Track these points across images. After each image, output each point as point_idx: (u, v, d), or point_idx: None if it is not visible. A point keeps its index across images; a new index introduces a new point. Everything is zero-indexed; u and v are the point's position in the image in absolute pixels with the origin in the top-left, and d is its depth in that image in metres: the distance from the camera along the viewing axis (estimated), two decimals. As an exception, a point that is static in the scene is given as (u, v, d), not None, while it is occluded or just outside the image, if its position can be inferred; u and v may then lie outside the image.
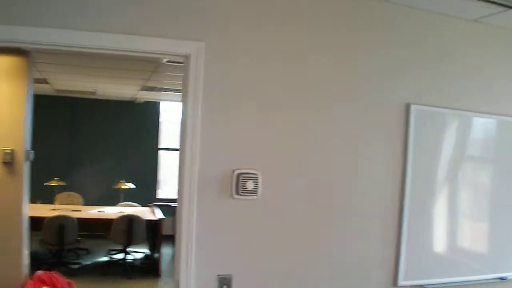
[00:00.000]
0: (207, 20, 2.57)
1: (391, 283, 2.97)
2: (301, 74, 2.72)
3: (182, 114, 2.62)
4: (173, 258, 4.49)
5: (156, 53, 2.65)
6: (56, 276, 5.47)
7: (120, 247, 7.76)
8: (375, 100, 2.88)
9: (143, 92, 8.64)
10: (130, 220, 7.20)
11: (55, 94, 9.54)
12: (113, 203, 8.63)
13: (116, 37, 2.47)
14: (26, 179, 5.39)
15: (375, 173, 2.89)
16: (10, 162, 5.17)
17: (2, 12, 2.31)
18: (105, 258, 8.20)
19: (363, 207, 2.87)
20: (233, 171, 2.59)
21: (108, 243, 8.03)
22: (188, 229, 2.57)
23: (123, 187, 8.45)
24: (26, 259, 5.39)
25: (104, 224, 7.47)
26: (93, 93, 9.23)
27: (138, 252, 8.13)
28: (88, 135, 10.19)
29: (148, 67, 6.13)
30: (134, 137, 9.92)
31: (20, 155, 5.24)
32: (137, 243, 7.38)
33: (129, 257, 7.67)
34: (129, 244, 7.38)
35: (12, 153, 5.18)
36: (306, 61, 2.72)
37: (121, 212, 7.77)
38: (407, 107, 2.94)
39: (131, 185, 8.60)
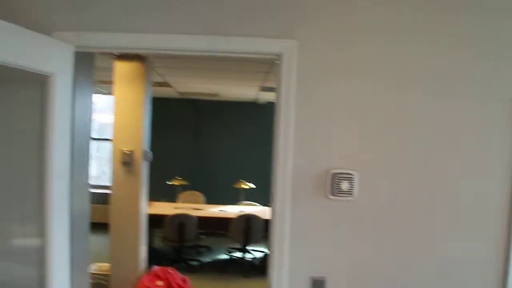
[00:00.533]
0: (299, 18, 2.50)
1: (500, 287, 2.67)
2: (401, 67, 2.52)
3: (276, 113, 2.56)
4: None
5: (250, 53, 2.60)
6: (171, 272, 5.67)
7: (239, 246, 7.90)
8: (480, 96, 2.59)
9: (263, 93, 8.73)
10: (248, 219, 7.29)
11: (179, 96, 9.98)
12: (234, 202, 8.79)
13: (212, 39, 2.52)
14: (144, 178, 5.66)
15: (480, 172, 2.60)
16: (129, 162, 5.46)
17: (123, 21, 2.50)
18: (225, 256, 8.39)
19: (468, 207, 2.60)
20: (328, 171, 2.48)
21: (228, 242, 8.21)
22: (282, 230, 2.53)
23: (244, 186, 8.57)
24: (143, 254, 5.67)
25: (224, 223, 7.65)
26: (216, 94, 9.52)
27: (257, 251, 8.22)
28: (211, 136, 10.55)
29: (262, 68, 6.15)
30: (256, 137, 10.06)
31: (139, 156, 5.52)
32: (255, 242, 7.45)
33: (248, 255, 7.76)
34: (247, 242, 7.48)
35: (131, 154, 5.47)
36: (406, 54, 2.51)
37: (241, 211, 7.90)
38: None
39: (252, 185, 8.71)
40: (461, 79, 2.54)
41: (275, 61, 2.57)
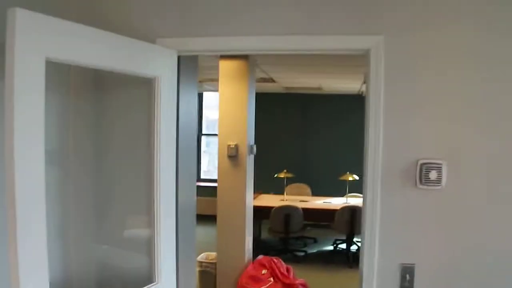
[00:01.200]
0: (385, 14, 2.56)
1: None
2: (496, 51, 2.48)
3: (366, 106, 2.65)
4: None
5: (338, 50, 2.70)
6: (276, 261, 5.88)
7: (344, 237, 7.98)
8: None
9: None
10: (353, 210, 7.35)
11: (284, 91, 10.21)
12: (339, 194, 8.85)
13: (305, 38, 2.65)
14: (249, 171, 5.92)
15: None
16: (234, 155, 5.75)
17: (221, 25, 2.71)
18: (330, 248, 8.51)
19: None
20: (417, 161, 2.54)
21: (334, 233, 8.32)
22: (372, 218, 2.60)
23: (349, 178, 8.60)
24: (249, 244, 5.94)
25: (329, 214, 7.77)
26: (319, 88, 9.62)
27: (362, 243, 8.24)
28: (317, 129, 10.69)
29: (363, 61, 6.16)
30: (361, 130, 10.01)
31: (244, 149, 5.79)
32: (360, 233, 7.48)
33: (353, 247, 7.82)
34: (352, 234, 7.55)
35: (236, 148, 5.75)
36: (498, 43, 2.48)
37: (345, 203, 7.96)
38: None
39: (356, 177, 8.72)
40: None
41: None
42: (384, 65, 2.55)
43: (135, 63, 2.44)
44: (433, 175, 2.49)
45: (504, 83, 2.47)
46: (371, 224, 2.59)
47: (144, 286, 2.59)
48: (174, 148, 2.77)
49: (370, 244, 2.60)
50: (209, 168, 11.72)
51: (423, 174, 2.50)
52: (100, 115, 3.01)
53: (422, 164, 2.51)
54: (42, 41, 1.93)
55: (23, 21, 1.84)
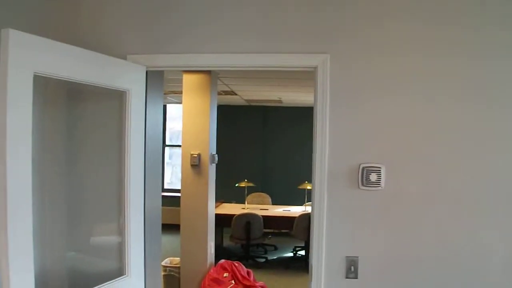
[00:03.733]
0: (331, 35, 2.89)
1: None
2: (430, 66, 2.83)
3: (314, 117, 2.98)
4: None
5: (290, 67, 3.03)
6: (237, 265, 6.16)
7: (303, 244, 8.30)
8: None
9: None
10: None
11: (246, 104, 10.54)
12: (298, 203, 9.18)
13: (262, 56, 2.97)
14: (211, 179, 6.20)
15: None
16: (197, 164, 6.03)
17: (184, 43, 3.00)
18: (290, 254, 8.82)
19: (496, 200, 2.84)
20: (359, 165, 2.87)
21: (295, 241, 8.64)
22: (320, 215, 2.92)
23: (308, 187, 8.90)
24: (212, 249, 6.20)
25: (288, 222, 8.10)
26: (279, 101, 9.99)
27: (320, 250, 8.56)
28: (276, 140, 11.05)
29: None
30: (319, 141, 10.39)
31: (206, 158, 6.07)
32: (318, 240, 7.80)
33: (311, 253, 8.12)
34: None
35: (198, 157, 6.03)
36: (433, 55, 2.83)
37: (304, 211, 8.29)
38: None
39: (314, 186, 9.06)
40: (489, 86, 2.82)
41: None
42: (330, 81, 2.89)
43: (109, 77, 2.71)
44: (373, 177, 2.83)
45: (437, 95, 2.83)
46: (319, 222, 2.91)
47: (116, 278, 2.84)
48: (142, 158, 3.01)
49: (318, 239, 2.91)
50: (172, 179, 11.86)
51: (365, 176, 2.84)
52: (73, 125, 3.24)
53: (363, 168, 2.85)
54: (31, 57, 2.19)
55: (15, 40, 2.10)
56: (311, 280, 2.94)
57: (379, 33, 2.86)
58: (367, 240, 2.90)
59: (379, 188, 2.85)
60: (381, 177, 2.83)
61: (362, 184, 2.85)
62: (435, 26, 2.83)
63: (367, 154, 2.88)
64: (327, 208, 2.90)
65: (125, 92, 2.84)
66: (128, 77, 2.85)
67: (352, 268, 2.89)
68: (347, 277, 2.91)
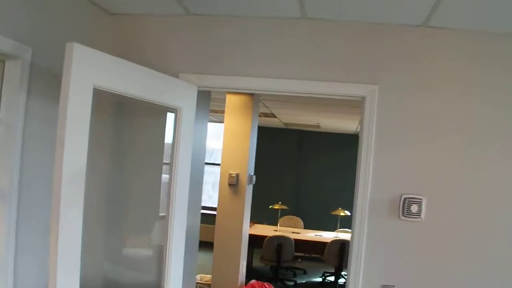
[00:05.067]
0: (381, 67, 2.97)
1: None
2: (467, 108, 2.90)
3: (359, 146, 3.03)
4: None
5: (340, 95, 3.08)
6: (267, 286, 6.17)
7: (332, 270, 8.26)
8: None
9: (363, 125, 9.07)
10: (343, 244, 7.64)
11: (284, 127, 10.62)
12: (330, 228, 9.15)
13: (310, 83, 3.06)
14: (248, 200, 6.27)
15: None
16: (234, 184, 6.11)
17: (235, 67, 3.12)
18: (319, 279, 8.78)
19: None
20: (401, 196, 2.91)
21: (324, 266, 8.61)
22: (359, 242, 2.96)
23: (341, 214, 8.89)
24: (243, 269, 6.24)
25: (319, 247, 8.08)
26: (317, 126, 10.04)
27: (350, 277, 8.49)
28: (313, 164, 11.08)
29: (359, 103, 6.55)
30: (353, 168, 10.39)
31: (244, 179, 6.14)
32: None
33: (341, 280, 8.09)
34: (340, 267, 7.82)
35: (237, 177, 6.11)
36: (474, 96, 2.89)
37: (336, 237, 8.26)
38: None
39: (348, 212, 9.04)
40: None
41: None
42: (377, 111, 2.94)
43: (164, 95, 2.83)
44: (414, 208, 2.86)
45: (478, 133, 2.88)
46: (358, 249, 2.95)
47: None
48: (189, 174, 3.09)
49: (356, 266, 2.95)
50: (203, 197, 11.92)
51: (406, 207, 2.87)
52: (118, 139, 3.36)
53: (405, 199, 2.88)
54: (92, 71, 2.31)
55: (79, 53, 2.22)
56: (347, 306, 2.97)
57: (428, 70, 2.93)
58: (404, 269, 2.93)
59: (419, 219, 2.88)
60: (422, 209, 2.86)
61: (403, 215, 2.88)
62: (485, 68, 2.88)
63: (409, 186, 2.92)
64: (366, 236, 2.94)
65: (177, 109, 2.93)
66: (181, 95, 2.96)
67: (388, 297, 2.91)
68: (382, 305, 2.92)
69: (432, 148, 2.91)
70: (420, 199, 2.86)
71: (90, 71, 2.30)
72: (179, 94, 2.94)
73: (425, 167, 2.91)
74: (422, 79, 2.92)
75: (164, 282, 2.96)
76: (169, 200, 2.96)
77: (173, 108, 2.95)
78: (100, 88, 2.39)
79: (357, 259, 2.94)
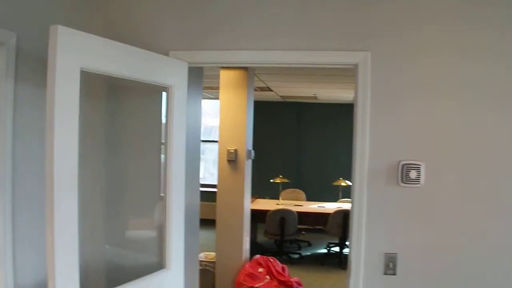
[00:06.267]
0: (372, 33, 2.90)
1: None
2: (463, 69, 2.83)
3: (354, 114, 2.99)
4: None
5: (332, 64, 3.03)
6: (272, 260, 6.20)
7: (337, 240, 8.30)
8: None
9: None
10: (346, 214, 7.65)
11: (281, 100, 10.56)
12: (332, 199, 9.16)
13: (302, 53, 2.99)
14: (247, 175, 6.25)
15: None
16: (233, 160, 6.08)
17: (225, 40, 3.05)
18: (324, 250, 8.83)
19: None
20: (399, 162, 2.87)
21: (328, 237, 8.65)
22: (359, 212, 2.93)
23: (342, 184, 8.88)
24: (247, 244, 6.25)
25: (322, 218, 8.11)
26: (315, 97, 9.98)
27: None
28: (311, 136, 11.07)
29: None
30: (352, 137, 10.35)
31: (242, 154, 6.12)
32: (352, 236, 7.79)
33: (346, 249, 8.13)
34: (344, 237, 7.85)
35: (235, 152, 6.09)
36: (470, 57, 2.82)
37: (338, 207, 8.27)
38: None
39: (349, 182, 9.02)
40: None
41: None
42: (371, 78, 2.90)
43: (153, 73, 2.77)
44: (413, 174, 2.83)
45: (477, 95, 2.83)
46: (358, 219, 2.92)
47: (155, 271, 2.91)
48: (184, 152, 3.06)
49: (358, 236, 2.92)
50: (205, 174, 11.95)
51: (404, 173, 2.84)
52: (112, 120, 3.32)
53: (403, 165, 2.85)
54: (78, 53, 2.25)
55: (63, 36, 2.15)
56: (350, 276, 2.96)
57: (421, 34, 2.86)
58: (406, 236, 2.90)
59: (418, 185, 2.84)
60: (421, 174, 2.83)
61: (402, 181, 2.85)
62: (480, 30, 2.82)
63: (407, 152, 2.88)
64: (366, 205, 2.91)
65: (168, 87, 2.89)
66: (171, 73, 2.90)
67: (391, 264, 2.90)
68: (385, 274, 2.92)
69: (429, 112, 2.86)
70: (419, 164, 2.83)
71: (76, 54, 2.23)
72: (169, 72, 2.89)
73: (422, 132, 2.87)
74: (416, 43, 2.86)
75: (165, 261, 2.94)
76: (166, 179, 2.92)
77: (164, 87, 2.90)
78: (87, 70, 2.32)
79: (358, 229, 2.92)
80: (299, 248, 8.94)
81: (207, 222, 7.13)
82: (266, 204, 8.53)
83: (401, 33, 2.87)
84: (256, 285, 5.74)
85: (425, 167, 2.84)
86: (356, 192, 2.93)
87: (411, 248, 2.90)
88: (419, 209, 2.88)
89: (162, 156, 3.10)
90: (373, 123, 2.91)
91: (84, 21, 2.93)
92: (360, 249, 2.92)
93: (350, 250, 2.99)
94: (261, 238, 8.69)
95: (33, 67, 2.56)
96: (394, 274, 2.90)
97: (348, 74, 6.36)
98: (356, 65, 2.93)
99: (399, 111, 2.89)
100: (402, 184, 2.85)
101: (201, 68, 3.57)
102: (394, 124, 2.89)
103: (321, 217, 8.12)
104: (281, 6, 2.98)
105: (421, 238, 2.89)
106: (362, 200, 2.91)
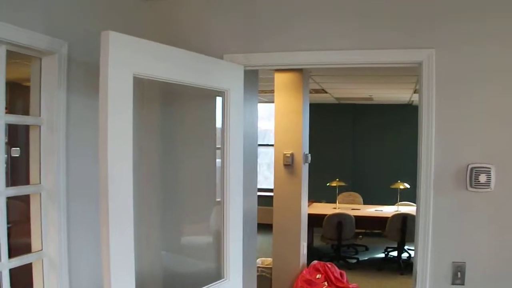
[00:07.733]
0: (436, 29, 2.76)
1: None
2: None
3: (419, 115, 2.86)
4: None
5: (393, 63, 2.90)
6: (330, 266, 6.07)
7: (395, 245, 8.07)
8: None
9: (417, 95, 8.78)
10: (405, 218, 7.45)
11: (336, 102, 10.40)
12: (390, 203, 8.93)
13: (362, 53, 2.89)
14: (304, 179, 6.15)
15: None
16: (290, 164, 6.00)
17: (281, 42, 2.97)
18: (381, 255, 8.61)
19: None
20: (467, 166, 2.71)
21: (386, 241, 8.43)
22: (426, 218, 2.78)
23: (400, 187, 8.64)
24: (304, 249, 6.15)
25: (380, 222, 7.91)
26: (370, 98, 9.78)
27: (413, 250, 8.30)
28: (368, 138, 10.85)
29: (413, 71, 6.29)
30: (411, 138, 10.06)
31: (299, 158, 6.03)
32: (412, 240, 7.56)
33: (404, 254, 7.90)
34: (403, 241, 7.63)
35: (291, 156, 6.00)
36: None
37: (397, 211, 8.05)
38: None
39: (407, 185, 8.78)
40: None
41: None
42: (436, 77, 2.75)
43: (209, 78, 2.73)
44: (482, 178, 2.66)
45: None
46: (424, 225, 2.78)
47: (213, 280, 2.85)
48: (241, 157, 3.00)
49: (424, 243, 2.78)
50: (259, 178, 11.89)
51: (473, 177, 2.68)
52: (167, 125, 3.30)
53: (472, 168, 2.69)
54: (130, 59, 2.21)
55: (115, 42, 2.12)
56: (415, 285, 2.82)
57: (486, 27, 2.69)
58: (475, 245, 2.73)
59: (489, 189, 2.68)
60: (491, 178, 2.66)
61: (470, 186, 2.69)
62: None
63: (476, 154, 2.72)
64: (433, 211, 2.76)
65: (224, 91, 2.84)
66: (227, 77, 2.86)
67: (459, 274, 2.74)
68: (453, 283, 2.76)
69: (499, 112, 2.69)
70: (489, 167, 2.66)
71: (128, 60, 2.19)
72: (224, 75, 2.84)
73: (492, 134, 2.70)
74: (484, 36, 2.69)
75: (223, 268, 2.89)
76: (223, 184, 2.87)
77: (220, 91, 2.85)
78: (140, 76, 2.29)
79: (425, 236, 2.78)
80: (356, 252, 8.76)
81: (263, 227, 7.07)
82: (323, 208, 8.41)
83: (467, 29, 2.71)
84: (314, 292, 5.64)
85: (496, 171, 2.67)
86: (422, 198, 2.79)
87: (480, 257, 2.73)
88: (489, 216, 2.71)
89: (218, 160, 3.06)
90: (439, 124, 2.76)
91: (135, 26, 2.91)
92: (426, 257, 2.78)
93: (416, 259, 2.85)
94: (317, 242, 8.56)
95: (85, 75, 2.54)
96: (463, 284, 2.74)
97: (406, 73, 6.19)
98: (420, 63, 2.80)
99: (467, 111, 2.73)
100: (471, 189, 2.69)
101: (256, 71, 3.51)
102: (462, 125, 2.74)
103: (379, 221, 7.92)
104: (338, 5, 2.88)
105: (492, 246, 2.71)
106: (429, 205, 2.76)
